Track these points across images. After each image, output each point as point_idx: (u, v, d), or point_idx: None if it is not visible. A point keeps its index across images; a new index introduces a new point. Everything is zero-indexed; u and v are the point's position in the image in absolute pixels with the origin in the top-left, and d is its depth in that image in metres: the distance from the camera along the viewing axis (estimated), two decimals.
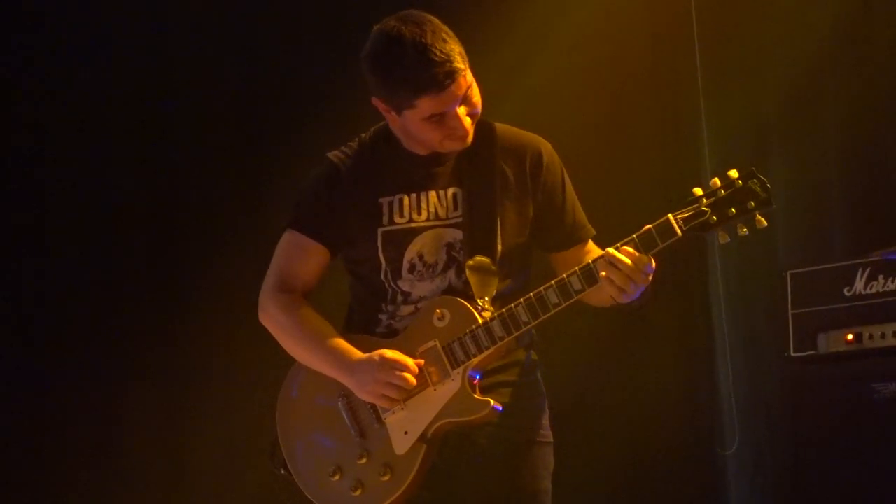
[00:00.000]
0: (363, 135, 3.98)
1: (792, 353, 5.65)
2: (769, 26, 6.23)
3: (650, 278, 3.67)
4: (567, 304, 3.68)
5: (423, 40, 3.66)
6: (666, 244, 3.59)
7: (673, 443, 6.21)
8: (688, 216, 3.58)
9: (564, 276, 3.68)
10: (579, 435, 5.81)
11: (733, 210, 3.57)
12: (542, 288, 3.69)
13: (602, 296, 3.75)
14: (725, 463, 6.25)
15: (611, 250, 3.63)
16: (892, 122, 6.03)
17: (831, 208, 6.18)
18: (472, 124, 3.80)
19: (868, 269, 5.52)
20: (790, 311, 5.67)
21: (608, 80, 6.30)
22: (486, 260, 3.78)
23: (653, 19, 6.28)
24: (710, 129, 6.32)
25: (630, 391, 6.30)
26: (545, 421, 3.94)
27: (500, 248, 3.81)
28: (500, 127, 3.93)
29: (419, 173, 3.87)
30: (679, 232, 3.58)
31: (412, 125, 3.79)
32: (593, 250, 3.88)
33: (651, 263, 3.64)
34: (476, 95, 3.78)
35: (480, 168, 3.85)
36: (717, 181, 3.60)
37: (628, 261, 3.60)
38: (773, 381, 5.99)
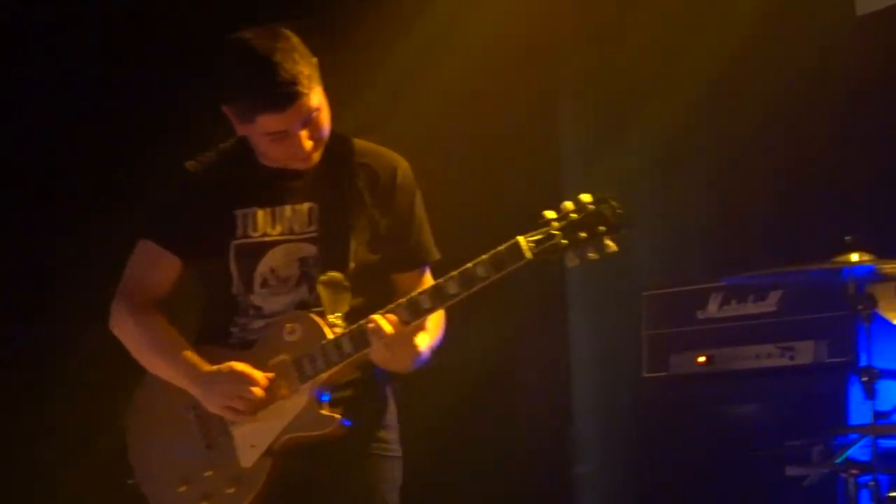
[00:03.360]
0: (222, 145, 3.97)
1: (645, 374, 5.73)
2: (642, 56, 6.33)
3: (418, 350, 3.70)
4: (416, 321, 3.69)
5: (271, 58, 3.65)
6: (515, 267, 3.58)
7: (528, 462, 6.26)
8: (538, 239, 3.56)
9: (415, 294, 3.69)
10: (432, 450, 5.82)
11: (583, 234, 3.54)
12: (392, 305, 3.69)
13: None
14: (579, 482, 6.30)
15: (375, 316, 3.65)
16: (753, 152, 6.14)
17: (690, 232, 6.28)
18: (316, 146, 3.79)
19: (721, 293, 5.62)
20: (644, 332, 5.75)
21: (475, 102, 6.34)
22: (338, 276, 3.78)
23: (524, 46, 6.33)
24: (575, 156, 6.39)
25: (487, 408, 6.33)
26: (394, 435, 3.95)
27: (352, 264, 3.80)
28: (358, 142, 3.93)
29: (275, 187, 3.86)
30: (529, 255, 3.55)
31: (254, 139, 3.80)
32: (428, 280, 3.88)
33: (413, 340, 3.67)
34: (324, 120, 3.77)
35: (336, 183, 3.84)
36: (568, 205, 3.58)
37: (389, 330, 3.63)
38: (627, 402, 6.05)
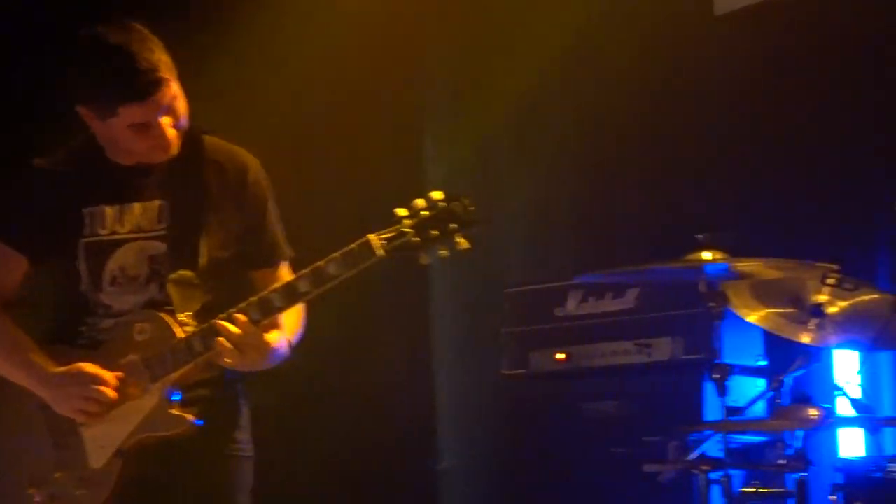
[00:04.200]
0: (71, 142, 3.92)
1: (505, 371, 5.74)
2: (498, 46, 6.35)
3: (270, 348, 3.69)
4: (266, 320, 3.66)
5: (129, 48, 3.62)
6: (367, 264, 3.57)
7: (389, 459, 6.25)
8: (390, 237, 3.55)
9: (266, 292, 3.66)
10: (289, 449, 5.79)
11: (435, 231, 3.54)
12: (243, 304, 3.66)
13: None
14: (440, 479, 6.30)
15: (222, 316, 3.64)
16: (613, 151, 6.18)
17: (551, 230, 6.31)
18: (178, 136, 3.77)
19: (580, 291, 5.65)
20: (504, 330, 5.77)
21: (332, 97, 6.32)
22: (188, 274, 3.76)
23: (381, 41, 6.32)
24: (435, 150, 6.39)
25: (347, 404, 6.31)
26: (245, 435, 3.93)
27: (203, 262, 3.77)
28: (209, 139, 3.91)
29: (124, 184, 3.82)
30: (381, 252, 3.55)
31: (116, 133, 3.75)
32: (284, 275, 3.86)
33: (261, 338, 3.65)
34: (182, 107, 3.75)
35: (186, 181, 3.82)
36: (420, 202, 3.57)
37: (237, 331, 3.62)
38: (487, 399, 6.07)
